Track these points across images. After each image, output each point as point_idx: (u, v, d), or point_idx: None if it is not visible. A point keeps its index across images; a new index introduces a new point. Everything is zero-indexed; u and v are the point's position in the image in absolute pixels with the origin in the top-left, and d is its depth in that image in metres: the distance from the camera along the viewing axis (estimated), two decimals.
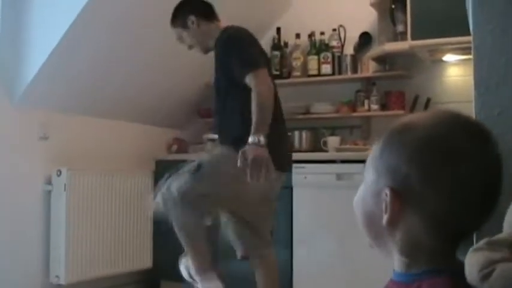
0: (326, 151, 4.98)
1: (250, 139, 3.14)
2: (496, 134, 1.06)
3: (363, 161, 3.59)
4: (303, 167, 4.61)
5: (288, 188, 4.60)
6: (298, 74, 5.35)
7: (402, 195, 1.01)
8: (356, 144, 4.96)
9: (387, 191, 1.02)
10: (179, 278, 4.93)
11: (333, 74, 5.21)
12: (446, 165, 0.98)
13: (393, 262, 1.10)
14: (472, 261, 0.59)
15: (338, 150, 4.88)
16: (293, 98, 5.42)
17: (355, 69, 5.14)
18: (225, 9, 3.89)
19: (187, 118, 5.70)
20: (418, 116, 1.10)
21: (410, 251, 1.04)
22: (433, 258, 1.02)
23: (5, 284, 4.15)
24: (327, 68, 5.20)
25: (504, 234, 0.62)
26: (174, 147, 5.26)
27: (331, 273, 4.47)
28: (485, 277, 0.56)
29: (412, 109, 4.88)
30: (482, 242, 0.61)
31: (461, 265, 0.97)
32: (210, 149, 5.10)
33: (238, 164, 3.08)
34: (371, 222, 1.08)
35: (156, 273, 5.11)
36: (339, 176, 4.47)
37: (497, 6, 1.09)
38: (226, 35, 3.54)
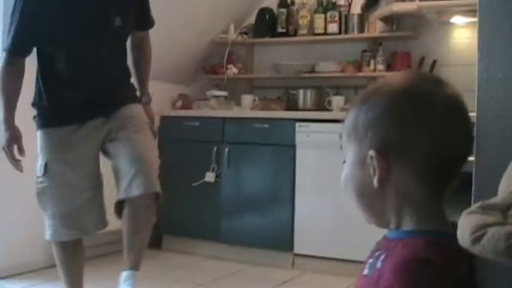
0: (330, 110, 4.97)
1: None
2: (498, 97, 1.07)
3: None
4: (307, 126, 4.63)
5: (291, 146, 4.62)
6: (304, 32, 5.31)
7: (387, 151, 1.05)
8: None
9: (372, 153, 1.05)
10: (181, 233, 5.03)
11: (340, 33, 5.17)
12: (421, 110, 1.05)
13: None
14: (465, 224, 0.60)
15: (343, 109, 4.87)
16: (299, 56, 5.42)
17: (361, 29, 5.11)
18: None
19: (191, 74, 5.69)
20: (384, 79, 1.19)
21: (401, 206, 1.08)
22: (421, 217, 1.06)
23: None
24: (333, 27, 5.16)
25: (498, 198, 0.63)
26: (179, 103, 5.26)
27: (332, 232, 4.51)
28: (476, 240, 0.57)
29: (419, 70, 4.85)
30: (475, 206, 0.63)
31: (448, 224, 1.07)
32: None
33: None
34: (363, 192, 1.12)
35: (158, 227, 5.16)
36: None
37: None
38: None
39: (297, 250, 4.65)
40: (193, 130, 5.00)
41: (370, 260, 1.10)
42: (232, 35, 5.48)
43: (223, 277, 4.45)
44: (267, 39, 5.45)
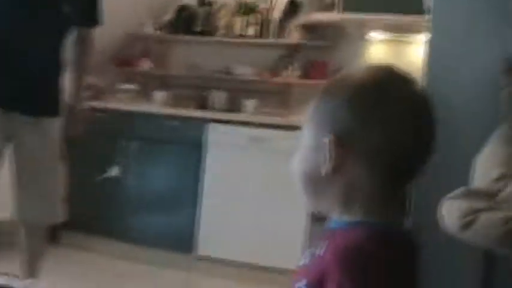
0: (242, 113, 4.94)
1: None
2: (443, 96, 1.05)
3: (278, 126, 3.63)
4: (217, 126, 4.59)
5: (201, 146, 4.57)
6: (222, 33, 5.26)
7: (343, 140, 1.03)
8: (273, 110, 4.95)
9: (328, 138, 1.04)
10: (81, 228, 4.83)
11: (258, 37, 5.15)
12: (380, 105, 1.03)
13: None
14: (452, 209, 0.55)
15: (255, 113, 4.85)
16: (215, 56, 5.38)
17: (280, 35, 5.10)
18: None
19: (103, 65, 5.52)
20: (350, 71, 1.19)
21: (347, 198, 1.06)
22: (365, 208, 1.05)
23: None
24: (252, 30, 5.14)
25: (481, 185, 0.59)
26: (88, 93, 5.09)
27: (235, 236, 4.47)
28: (467, 225, 0.52)
29: None
30: (459, 191, 0.59)
31: (399, 219, 1.07)
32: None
33: None
34: (313, 177, 1.09)
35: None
36: (253, 139, 4.45)
37: None
38: None
39: (198, 252, 4.57)
40: (100, 122, 4.84)
41: (310, 249, 1.08)
42: (149, 29, 5.38)
43: (119, 276, 4.34)
44: (183, 36, 5.38)
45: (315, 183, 1.09)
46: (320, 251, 1.03)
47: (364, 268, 0.94)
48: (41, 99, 3.10)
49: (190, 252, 4.58)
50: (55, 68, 3.17)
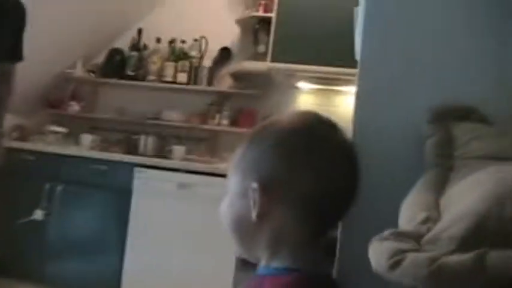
0: (171, 159, 4.92)
1: None
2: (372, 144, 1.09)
3: (206, 173, 3.61)
4: (145, 172, 4.53)
5: (128, 191, 4.50)
6: (153, 78, 5.26)
7: (269, 187, 1.04)
8: (202, 157, 4.95)
9: (254, 185, 1.04)
10: (3, 272, 4.66)
11: (188, 83, 5.17)
12: (306, 151, 1.05)
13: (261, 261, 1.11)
14: (380, 250, 0.58)
15: (183, 159, 4.84)
16: (145, 101, 5.37)
17: (210, 82, 5.14)
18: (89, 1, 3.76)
19: (31, 106, 5.43)
20: (277, 117, 1.16)
21: (275, 244, 1.07)
22: (293, 255, 1.06)
23: None
24: (183, 77, 5.16)
25: (409, 227, 0.62)
26: (14, 134, 4.99)
27: (160, 283, 4.40)
28: (395, 265, 0.55)
29: None
30: (387, 233, 0.62)
31: (322, 264, 1.08)
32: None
33: None
34: (240, 224, 1.10)
35: None
36: (181, 186, 4.43)
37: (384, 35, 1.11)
38: (20, 3, 3.12)
39: None
40: (27, 164, 4.74)
41: None
42: (79, 72, 5.33)
43: None
44: (114, 80, 5.34)
45: (242, 229, 1.10)
46: None
47: None
48: None
49: None
50: None
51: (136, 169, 4.55)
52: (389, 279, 0.55)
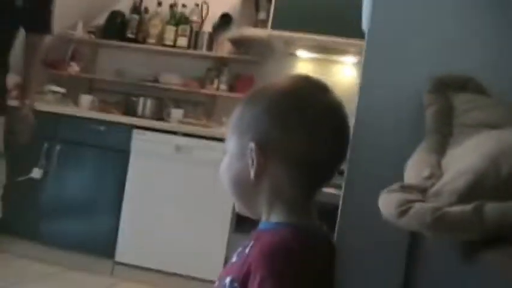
0: (168, 122, 4.98)
1: None
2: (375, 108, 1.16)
3: (203, 137, 3.67)
4: (143, 134, 4.59)
5: (126, 152, 4.57)
6: (153, 41, 5.29)
7: (265, 147, 1.12)
8: (199, 120, 5.01)
9: (252, 146, 1.12)
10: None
11: (188, 47, 5.21)
12: (298, 112, 1.12)
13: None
14: (388, 200, 0.66)
15: (180, 122, 4.90)
16: (144, 64, 5.41)
17: (210, 47, 5.18)
18: None
19: None
20: (271, 81, 1.26)
21: (272, 200, 1.15)
22: (289, 210, 1.14)
23: None
24: (183, 41, 5.19)
25: (413, 182, 0.70)
26: (14, 93, 5.02)
27: (155, 244, 4.50)
28: (402, 213, 0.62)
29: None
30: (395, 186, 0.69)
31: (313, 220, 1.17)
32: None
33: None
34: (239, 182, 1.18)
35: None
36: (178, 148, 4.50)
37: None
38: None
39: (118, 258, 4.57)
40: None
41: (239, 249, 1.16)
42: (80, 33, 5.36)
43: (35, 279, 4.27)
44: (114, 41, 5.37)
45: (242, 188, 1.18)
46: (247, 249, 1.11)
47: (286, 266, 1.02)
48: None
49: (110, 257, 4.57)
50: (5, 68, 3.18)
51: (135, 131, 4.60)
52: (398, 225, 0.62)
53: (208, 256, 4.31)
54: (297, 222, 1.13)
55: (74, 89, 5.36)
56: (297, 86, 1.19)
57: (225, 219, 4.30)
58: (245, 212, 1.23)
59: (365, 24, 1.27)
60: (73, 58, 5.43)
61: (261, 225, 1.18)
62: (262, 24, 4.77)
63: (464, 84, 1.11)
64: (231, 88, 5.12)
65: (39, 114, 4.75)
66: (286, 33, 4.55)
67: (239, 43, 5.08)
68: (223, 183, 1.23)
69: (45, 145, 4.72)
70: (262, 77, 5.07)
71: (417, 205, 0.61)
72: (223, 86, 5.10)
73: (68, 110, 4.92)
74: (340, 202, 1.07)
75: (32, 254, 4.66)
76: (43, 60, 5.27)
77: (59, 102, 5.10)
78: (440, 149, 0.86)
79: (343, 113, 1.17)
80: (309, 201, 1.18)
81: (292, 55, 5.07)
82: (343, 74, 4.97)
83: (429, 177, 0.69)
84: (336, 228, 1.15)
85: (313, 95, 1.16)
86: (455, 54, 1.17)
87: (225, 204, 4.24)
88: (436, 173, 0.70)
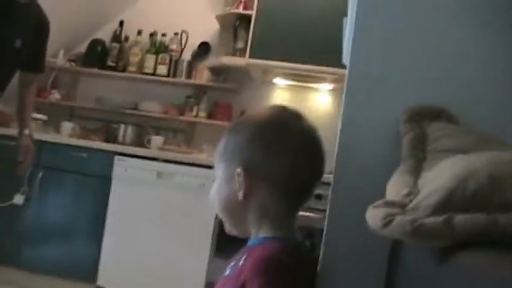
0: (149, 149, 5.07)
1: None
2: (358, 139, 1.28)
3: (183, 163, 3.77)
4: (125, 160, 4.68)
5: (107, 179, 4.65)
6: (133, 69, 5.41)
7: (251, 171, 1.26)
8: (179, 147, 5.11)
9: (238, 170, 1.26)
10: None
11: (168, 75, 5.34)
12: (279, 139, 1.28)
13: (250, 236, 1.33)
14: (374, 214, 0.78)
15: (160, 149, 5.00)
16: (125, 92, 5.51)
17: (189, 75, 5.31)
18: None
19: (12, 93, 5.52)
20: (253, 112, 1.42)
21: (260, 218, 1.29)
22: (275, 226, 1.28)
23: None
24: (162, 69, 5.31)
25: (395, 198, 0.82)
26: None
27: (137, 269, 4.57)
28: (386, 224, 0.74)
29: None
30: (380, 202, 0.81)
31: (296, 233, 1.31)
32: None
33: None
34: (229, 204, 1.31)
35: None
36: (159, 174, 4.59)
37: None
38: (46, 18, 3.54)
39: (100, 283, 4.63)
40: (7, 150, 4.83)
41: (232, 263, 1.28)
42: (61, 61, 5.45)
43: None
44: (94, 69, 5.47)
45: (231, 209, 1.31)
46: (240, 262, 1.23)
47: (277, 275, 1.15)
48: None
49: (92, 282, 4.63)
50: None
51: (116, 157, 4.69)
52: (382, 234, 0.74)
53: (189, 280, 4.40)
54: (284, 236, 1.27)
55: (55, 116, 5.44)
56: (276, 115, 1.34)
57: (206, 243, 4.39)
58: (234, 232, 1.36)
59: (345, 58, 1.40)
60: (54, 86, 5.52)
61: (250, 242, 1.30)
62: (241, 52, 4.90)
63: (437, 115, 1.25)
64: (210, 115, 5.24)
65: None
66: (264, 62, 4.70)
67: (218, 71, 5.22)
68: (214, 207, 1.36)
69: (28, 171, 4.78)
70: (240, 104, 5.20)
71: (398, 217, 0.73)
72: (202, 113, 5.22)
73: (50, 137, 4.99)
74: (327, 216, 1.19)
75: (14, 280, 4.70)
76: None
77: (40, 129, 5.17)
78: (416, 171, 0.99)
79: (317, 137, 1.33)
80: (293, 217, 1.32)
81: (270, 83, 5.21)
82: (319, 100, 5.12)
83: (408, 195, 0.81)
84: (323, 240, 1.27)
85: (291, 123, 1.31)
86: (432, 87, 1.31)
87: (206, 229, 4.34)
88: (414, 191, 0.82)
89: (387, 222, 0.75)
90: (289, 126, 1.30)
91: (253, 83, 5.25)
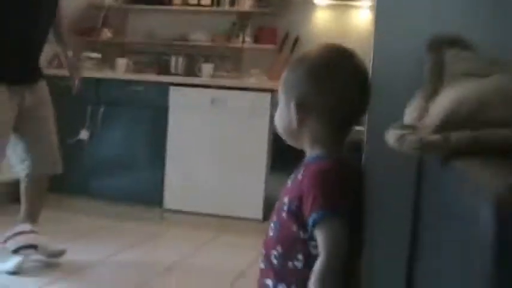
0: (200, 77, 5.32)
1: None
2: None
3: (234, 88, 4.03)
4: (179, 90, 4.95)
5: (164, 108, 4.94)
6: (178, 2, 5.61)
7: (304, 105, 1.47)
8: (228, 72, 5.34)
9: (293, 104, 1.48)
10: (51, 187, 5.06)
11: (212, 5, 5.53)
12: (329, 77, 1.47)
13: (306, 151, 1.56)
14: (392, 134, 1.01)
15: (211, 76, 5.26)
16: (172, 24, 5.71)
17: (233, 3, 5.49)
18: None
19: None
20: (310, 49, 1.60)
21: (313, 141, 1.50)
22: (327, 148, 1.49)
23: None
24: None
25: (407, 122, 1.05)
26: (55, 62, 5.38)
27: (198, 190, 4.91)
28: (400, 141, 0.98)
29: (282, 45, 5.33)
30: (395, 124, 1.04)
31: (344, 155, 1.52)
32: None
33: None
34: (287, 129, 1.54)
35: None
36: (213, 100, 4.85)
37: None
38: None
39: (166, 205, 4.99)
40: (68, 89, 5.10)
41: (292, 175, 1.52)
42: (109, 0, 5.67)
43: (92, 232, 4.61)
44: (142, 5, 5.70)
45: (289, 133, 1.54)
46: (299, 175, 1.48)
47: (329, 185, 1.40)
48: (37, 67, 3.69)
49: (160, 206, 4.99)
50: (46, 40, 3.72)
51: (171, 88, 4.95)
52: (398, 149, 0.98)
53: (248, 197, 4.70)
54: (333, 155, 1.50)
55: (108, 53, 5.71)
56: (326, 55, 1.53)
57: (261, 161, 4.68)
58: (296, 146, 1.59)
59: None
60: (104, 24, 5.76)
61: (306, 159, 1.54)
62: None
63: (453, 42, 1.46)
64: (256, 40, 5.44)
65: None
66: None
67: None
68: (277, 128, 1.58)
69: (89, 108, 5.09)
70: (284, 27, 5.39)
71: (409, 136, 0.96)
72: (248, 39, 5.42)
73: (106, 74, 5.29)
74: (365, 138, 1.43)
75: (84, 209, 5.07)
76: (76, 28, 5.64)
77: (96, 67, 5.45)
78: (431, 96, 1.21)
79: (365, 74, 1.51)
80: (341, 142, 1.54)
81: (311, 3, 5.36)
82: (361, 17, 5.25)
83: (418, 118, 1.04)
84: (363, 156, 1.51)
85: (341, 62, 1.50)
86: (453, 15, 1.52)
87: (261, 148, 4.62)
88: (423, 115, 1.05)
89: (400, 140, 0.98)
90: (337, 66, 1.49)
91: (295, 5, 5.41)
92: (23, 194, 3.71)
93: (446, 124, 0.97)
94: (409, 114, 1.11)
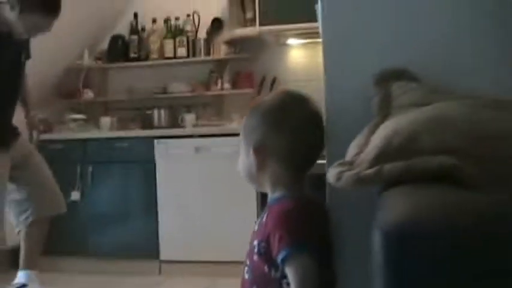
0: (184, 127, 5.41)
1: None
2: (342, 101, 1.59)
3: (217, 135, 4.12)
4: (164, 142, 5.05)
5: (151, 162, 5.03)
6: (155, 56, 5.72)
7: (262, 149, 1.57)
8: (210, 120, 5.44)
9: (251, 150, 1.58)
10: (48, 251, 5.08)
11: (188, 56, 5.64)
12: (284, 122, 1.56)
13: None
14: (331, 172, 1.09)
15: (194, 125, 5.34)
16: (151, 79, 5.81)
17: (208, 52, 5.59)
18: None
19: (48, 100, 5.84)
20: (265, 97, 1.72)
21: (274, 183, 1.60)
22: (286, 188, 1.58)
23: None
24: (182, 51, 5.61)
25: (348, 158, 1.12)
26: (41, 128, 5.44)
27: (192, 238, 4.97)
28: (338, 179, 1.05)
29: (260, 87, 5.43)
30: (336, 163, 1.12)
31: (305, 192, 1.61)
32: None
33: None
34: (249, 174, 1.64)
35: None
36: (197, 149, 4.93)
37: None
38: None
39: (162, 257, 5.04)
40: (56, 153, 5.18)
41: (258, 220, 1.60)
42: (87, 61, 5.77)
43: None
44: (120, 63, 5.80)
45: (252, 177, 1.63)
46: (264, 218, 1.56)
47: (292, 225, 1.48)
48: (13, 127, 3.91)
49: (157, 257, 5.05)
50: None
51: (156, 141, 5.04)
52: (337, 187, 1.06)
53: (243, 239, 4.71)
54: (293, 194, 1.58)
55: (92, 113, 5.81)
56: (281, 99, 1.64)
57: (252, 203, 4.72)
58: (259, 190, 1.69)
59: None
60: (85, 85, 5.86)
61: (269, 201, 1.62)
62: (251, 22, 5.17)
63: (400, 75, 1.55)
64: (234, 85, 5.54)
65: (67, 142, 5.22)
66: (274, 27, 4.97)
67: (233, 43, 5.48)
68: (240, 174, 1.67)
69: (78, 169, 5.17)
70: (260, 70, 5.50)
71: (346, 173, 1.04)
72: (226, 85, 5.52)
73: (91, 133, 5.38)
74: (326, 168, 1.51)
75: (81, 268, 5.11)
76: (58, 91, 5.75)
77: (81, 128, 5.54)
78: (374, 129, 1.29)
79: (316, 116, 1.61)
80: (302, 180, 1.62)
81: (284, 44, 5.47)
82: None
83: (356, 155, 1.12)
84: (327, 192, 1.59)
85: (294, 105, 1.60)
86: (398, 49, 1.62)
87: (249, 190, 4.67)
88: (363, 149, 1.13)
89: (338, 177, 1.06)
90: (291, 109, 1.58)
91: (268, 48, 5.51)
92: (23, 240, 3.88)
93: (380, 157, 1.05)
94: (351, 150, 1.19)
